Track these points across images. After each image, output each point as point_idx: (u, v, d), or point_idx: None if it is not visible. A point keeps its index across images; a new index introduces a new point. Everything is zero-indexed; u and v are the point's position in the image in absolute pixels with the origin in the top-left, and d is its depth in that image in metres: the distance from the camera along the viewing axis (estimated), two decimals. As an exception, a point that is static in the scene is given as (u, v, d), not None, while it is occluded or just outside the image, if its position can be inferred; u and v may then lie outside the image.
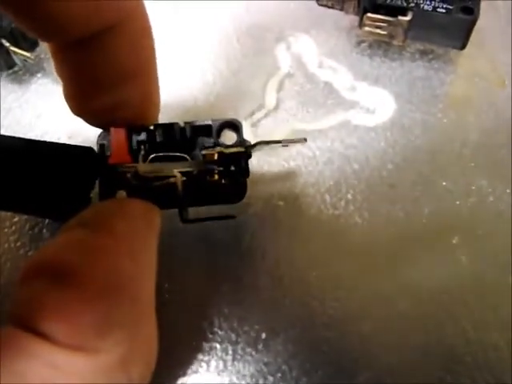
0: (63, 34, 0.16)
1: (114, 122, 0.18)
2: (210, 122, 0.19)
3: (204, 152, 0.18)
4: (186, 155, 0.18)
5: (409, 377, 0.19)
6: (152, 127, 0.19)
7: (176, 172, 0.18)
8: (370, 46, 0.27)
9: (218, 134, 0.19)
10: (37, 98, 0.26)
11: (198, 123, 0.19)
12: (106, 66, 0.17)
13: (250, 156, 0.19)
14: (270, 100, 0.25)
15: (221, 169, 0.18)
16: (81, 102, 0.19)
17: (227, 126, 0.19)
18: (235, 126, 0.19)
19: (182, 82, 0.26)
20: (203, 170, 0.18)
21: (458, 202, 0.23)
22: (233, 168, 0.19)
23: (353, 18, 0.27)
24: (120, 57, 0.17)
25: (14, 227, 0.22)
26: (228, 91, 0.26)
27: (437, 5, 0.25)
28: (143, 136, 0.18)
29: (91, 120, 0.19)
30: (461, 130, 0.25)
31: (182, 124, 0.19)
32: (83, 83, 0.18)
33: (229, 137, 0.19)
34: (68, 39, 0.17)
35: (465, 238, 0.22)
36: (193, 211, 0.19)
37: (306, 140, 0.21)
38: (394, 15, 0.25)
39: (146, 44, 0.18)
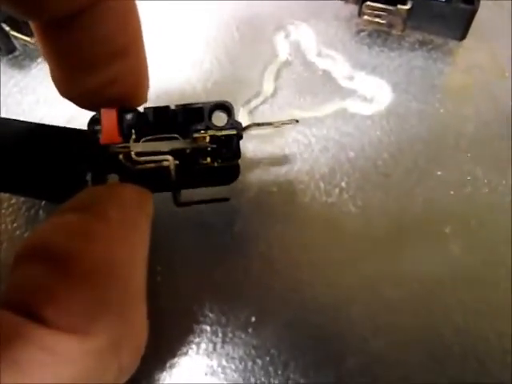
0: (46, 11, 0.16)
1: (104, 102, 0.18)
2: (201, 105, 0.19)
3: (196, 135, 0.18)
4: (177, 135, 0.18)
5: (396, 364, 0.19)
6: (143, 110, 0.19)
7: (169, 156, 0.18)
8: (370, 36, 0.27)
9: (210, 117, 0.19)
10: (36, 83, 0.26)
11: (189, 106, 0.19)
12: (92, 44, 0.17)
13: (241, 137, 0.19)
14: (268, 87, 0.25)
15: (214, 146, 0.18)
16: (70, 84, 0.18)
17: (219, 109, 0.19)
18: (227, 108, 0.19)
19: (180, 69, 0.26)
20: (196, 147, 0.18)
21: (452, 192, 0.23)
22: (224, 150, 0.19)
23: (352, 8, 0.27)
24: (106, 34, 0.17)
25: (10, 208, 0.23)
26: (226, 78, 0.26)
27: (437, -6, 0.25)
28: (134, 119, 0.18)
29: (81, 102, 0.19)
30: (458, 120, 0.25)
31: (173, 107, 0.19)
32: (71, 63, 0.18)
33: (222, 118, 0.19)
34: (52, 17, 0.17)
35: (458, 228, 0.22)
36: (186, 193, 0.19)
37: (297, 121, 0.21)
38: (394, 4, 0.25)
39: (132, 20, 0.18)
